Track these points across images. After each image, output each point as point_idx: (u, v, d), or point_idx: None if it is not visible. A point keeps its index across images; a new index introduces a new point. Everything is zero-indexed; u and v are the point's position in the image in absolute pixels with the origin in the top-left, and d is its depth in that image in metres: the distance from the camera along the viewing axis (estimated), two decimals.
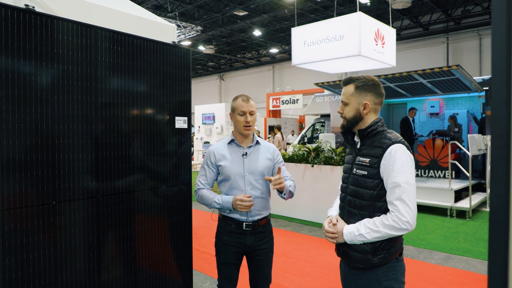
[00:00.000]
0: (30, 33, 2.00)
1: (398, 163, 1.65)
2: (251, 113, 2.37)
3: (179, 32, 16.70)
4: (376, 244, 1.69)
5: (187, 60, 2.77)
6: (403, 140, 1.74)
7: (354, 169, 1.80)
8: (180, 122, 2.76)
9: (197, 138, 18.56)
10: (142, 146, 2.55)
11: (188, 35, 17.31)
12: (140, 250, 2.56)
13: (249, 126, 2.36)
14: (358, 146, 1.84)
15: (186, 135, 2.81)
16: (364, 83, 1.80)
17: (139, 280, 2.55)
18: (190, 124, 2.82)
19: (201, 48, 20.79)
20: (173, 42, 2.76)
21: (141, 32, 2.61)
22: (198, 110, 19.30)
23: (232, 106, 2.41)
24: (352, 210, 1.78)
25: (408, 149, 1.72)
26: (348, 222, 1.79)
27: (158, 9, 15.21)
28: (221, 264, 2.43)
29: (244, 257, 2.46)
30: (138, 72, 2.50)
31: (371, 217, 1.71)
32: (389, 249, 1.70)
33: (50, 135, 2.08)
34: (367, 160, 1.73)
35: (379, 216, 1.68)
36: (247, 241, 2.35)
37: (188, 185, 2.86)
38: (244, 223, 2.34)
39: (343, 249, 1.82)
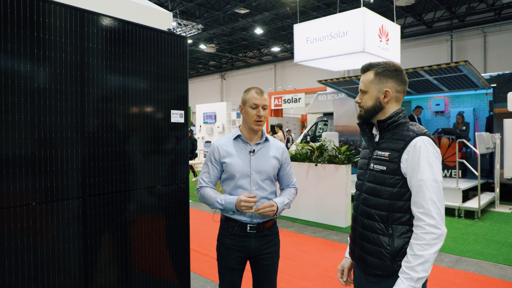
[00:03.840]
0: (12, 16, 1.80)
1: (423, 158, 1.45)
2: (264, 107, 2.19)
3: (180, 31, 16.55)
4: (396, 248, 1.49)
5: (183, 49, 2.56)
6: (428, 132, 1.54)
7: (372, 164, 1.61)
8: (176, 116, 2.56)
9: (198, 138, 18.46)
10: (134, 142, 2.36)
11: (189, 34, 17.17)
12: (132, 255, 2.37)
13: (261, 121, 2.18)
14: (377, 139, 1.65)
15: (182, 130, 2.61)
16: (384, 69, 1.61)
17: None
18: (187, 119, 2.62)
19: (202, 47, 20.61)
20: (168, 29, 2.56)
21: (134, 18, 2.42)
22: (200, 109, 19.23)
23: (244, 98, 2.23)
24: (367, 210, 1.59)
25: (434, 142, 1.52)
26: (363, 223, 1.60)
27: None
28: (223, 269, 2.25)
29: (248, 261, 2.28)
30: (130, 61, 2.31)
31: (389, 218, 1.51)
32: None
33: (32, 128, 1.89)
34: (387, 154, 1.54)
35: (398, 216, 1.49)
36: (252, 244, 2.18)
37: (185, 184, 2.66)
38: (248, 225, 2.16)
39: (358, 252, 1.62)
